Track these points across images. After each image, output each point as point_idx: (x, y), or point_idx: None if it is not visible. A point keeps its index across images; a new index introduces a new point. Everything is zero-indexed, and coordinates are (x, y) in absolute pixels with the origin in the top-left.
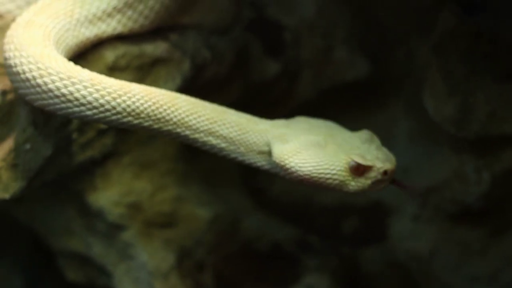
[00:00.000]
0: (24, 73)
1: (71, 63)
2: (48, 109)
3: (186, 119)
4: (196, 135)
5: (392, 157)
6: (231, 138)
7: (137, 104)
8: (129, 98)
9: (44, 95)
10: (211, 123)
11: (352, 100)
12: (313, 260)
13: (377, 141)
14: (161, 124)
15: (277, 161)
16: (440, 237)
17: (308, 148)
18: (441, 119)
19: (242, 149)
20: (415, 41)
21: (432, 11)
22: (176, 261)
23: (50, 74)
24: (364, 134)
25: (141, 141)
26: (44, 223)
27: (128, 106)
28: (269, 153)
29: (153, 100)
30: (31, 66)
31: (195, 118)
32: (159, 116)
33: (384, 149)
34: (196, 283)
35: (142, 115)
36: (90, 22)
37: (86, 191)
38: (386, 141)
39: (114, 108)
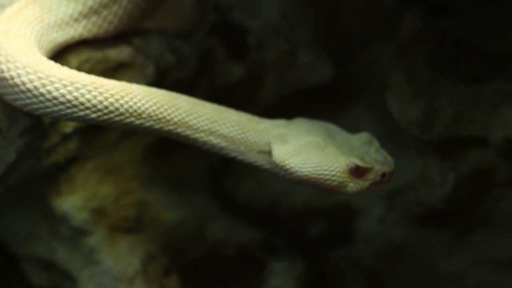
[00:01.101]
0: (24, 84)
1: (67, 68)
2: (52, 116)
3: (187, 119)
4: (197, 135)
5: (390, 160)
6: (231, 137)
7: (139, 104)
8: (131, 99)
9: (48, 103)
10: (211, 123)
11: (316, 104)
12: (280, 264)
13: (376, 143)
14: (162, 124)
15: (277, 161)
16: (406, 238)
17: (308, 149)
18: (406, 122)
19: (242, 148)
20: (379, 44)
21: (395, 14)
22: (142, 265)
23: (52, 82)
24: (363, 136)
25: (105, 146)
26: (8, 228)
27: (130, 107)
28: (269, 153)
29: (154, 101)
30: (31, 77)
31: (195, 118)
32: (160, 116)
33: (383, 152)
34: None
35: (144, 116)
36: (59, 27)
37: (50, 196)
38: None
39: (117, 109)
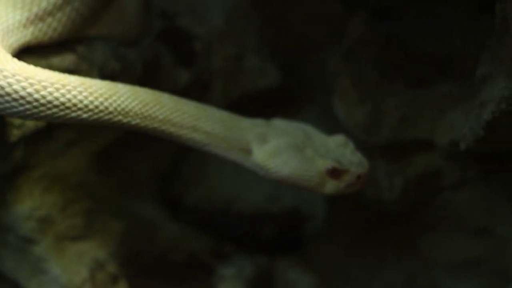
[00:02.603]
0: (16, 92)
1: (52, 71)
2: (45, 120)
3: (171, 116)
4: (181, 132)
5: (365, 162)
6: (214, 134)
7: (126, 103)
8: (119, 98)
9: (42, 108)
10: (195, 120)
11: (266, 108)
12: (229, 269)
13: (351, 145)
14: (147, 122)
15: (258, 161)
16: (356, 242)
17: (287, 150)
18: (352, 125)
19: (224, 145)
20: (326, 48)
21: (343, 18)
22: (89, 274)
23: (45, 87)
24: (339, 138)
25: (51, 154)
26: None
27: (119, 105)
28: (250, 151)
29: (140, 99)
30: (23, 84)
31: (179, 116)
32: (145, 114)
33: (358, 154)
34: None
35: (131, 114)
36: (13, 32)
37: None
38: None
39: (106, 108)
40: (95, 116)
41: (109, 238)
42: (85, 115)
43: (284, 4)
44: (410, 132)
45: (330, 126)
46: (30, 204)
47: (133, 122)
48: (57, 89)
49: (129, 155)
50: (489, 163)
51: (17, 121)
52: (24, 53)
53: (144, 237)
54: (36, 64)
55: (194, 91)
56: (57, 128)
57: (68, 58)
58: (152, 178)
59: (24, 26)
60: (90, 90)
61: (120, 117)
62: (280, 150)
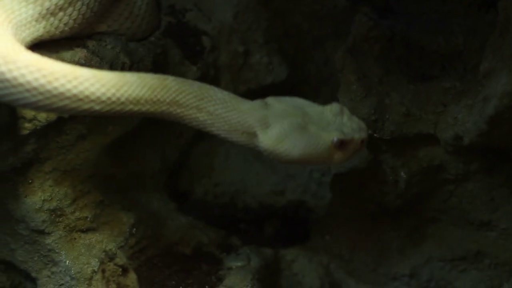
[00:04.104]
0: (29, 83)
1: (64, 63)
2: (57, 111)
3: (177, 98)
4: (186, 112)
5: (363, 125)
6: (217, 115)
7: (136, 91)
8: (129, 87)
9: (54, 99)
10: (199, 100)
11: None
12: (236, 261)
13: (347, 111)
14: (156, 107)
15: (266, 147)
16: (360, 236)
17: (293, 132)
18: None
19: (226, 127)
20: (331, 44)
21: (347, 14)
22: (99, 265)
23: (57, 78)
24: (334, 107)
25: (62, 148)
26: None
27: (130, 95)
28: (253, 134)
29: (148, 86)
30: (36, 75)
31: (184, 96)
32: (155, 99)
33: (355, 118)
34: (120, 287)
35: (142, 101)
36: (25, 26)
37: (8, 198)
38: None
39: (118, 99)
40: (108, 108)
41: (118, 230)
42: (97, 107)
43: (290, 0)
44: (414, 127)
45: None
46: (41, 196)
47: (144, 109)
48: (69, 81)
49: (138, 148)
50: (492, 157)
51: (28, 115)
52: (36, 47)
53: (153, 229)
54: None
55: None
56: (68, 121)
57: (79, 53)
58: (161, 171)
59: (37, 20)
60: (102, 81)
61: (131, 106)
62: (286, 133)
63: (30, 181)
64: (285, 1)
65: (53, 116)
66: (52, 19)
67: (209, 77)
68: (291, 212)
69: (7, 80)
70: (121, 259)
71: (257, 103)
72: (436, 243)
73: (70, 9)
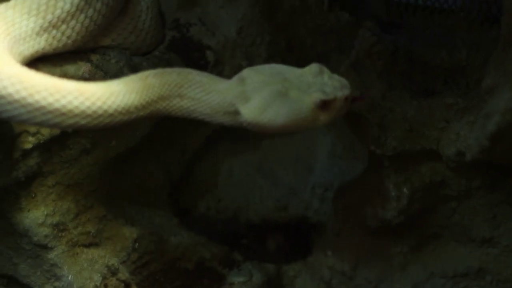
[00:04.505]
0: (10, 95)
1: (50, 76)
2: (42, 125)
3: (161, 93)
4: (171, 103)
5: (345, 82)
6: (197, 99)
7: (125, 100)
8: (116, 97)
9: (36, 113)
10: (179, 88)
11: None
12: (238, 277)
13: (326, 70)
14: (145, 110)
15: (249, 120)
16: (362, 252)
17: (273, 100)
18: (361, 135)
19: (208, 110)
20: (335, 59)
21: (351, 29)
22: (102, 280)
23: (39, 91)
24: (313, 67)
25: (65, 162)
26: None
27: (118, 105)
28: (235, 113)
29: (135, 91)
30: (17, 87)
31: (166, 88)
32: (143, 103)
33: (336, 76)
34: None
35: (131, 109)
36: (25, 40)
37: (11, 211)
38: (308, 158)
39: (106, 111)
40: (95, 122)
41: (121, 245)
42: (83, 121)
43: (294, 15)
44: (416, 143)
45: (338, 135)
46: (44, 210)
47: (133, 116)
48: (51, 94)
49: (141, 163)
50: (494, 173)
51: (32, 129)
52: (39, 61)
53: (155, 244)
54: (51, 73)
55: None
56: (71, 136)
57: (83, 67)
58: (164, 186)
59: (38, 33)
60: (86, 94)
61: (121, 116)
62: (267, 103)
63: (33, 195)
64: (288, 16)
65: (56, 131)
66: (54, 32)
67: None
68: (294, 227)
69: None
70: (123, 274)
71: (234, 79)
72: (438, 259)
73: (73, 22)
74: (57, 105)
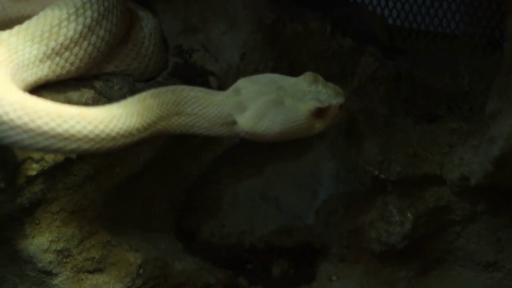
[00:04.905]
0: (12, 121)
1: (51, 102)
2: (44, 150)
3: (160, 113)
4: (170, 122)
5: (339, 90)
6: (195, 114)
7: (127, 123)
8: (118, 120)
9: (39, 138)
10: (176, 106)
11: (277, 144)
12: None
13: (321, 78)
14: (147, 131)
15: (246, 129)
16: (367, 277)
17: (269, 109)
18: (364, 161)
19: (206, 124)
20: (338, 84)
21: (353, 54)
22: None
23: (41, 116)
24: (308, 76)
25: (69, 188)
26: None
27: (121, 128)
28: (232, 123)
29: (136, 113)
30: (19, 113)
31: (165, 108)
32: (145, 125)
33: (330, 84)
34: None
35: (134, 132)
36: (27, 67)
37: (15, 238)
38: (312, 182)
39: (108, 135)
40: (98, 146)
41: (125, 271)
42: (86, 146)
43: (296, 41)
44: (420, 168)
45: (340, 160)
46: (48, 237)
47: (135, 139)
48: (53, 119)
49: (145, 189)
50: (498, 197)
51: (36, 155)
52: (43, 88)
53: (160, 270)
54: (54, 99)
55: None
56: (75, 162)
57: (87, 94)
58: (168, 211)
59: (41, 60)
60: (88, 119)
61: (123, 139)
62: (263, 112)
63: (37, 222)
64: (291, 41)
65: (60, 157)
66: (57, 59)
67: None
68: (298, 252)
69: None
70: None
71: (229, 90)
72: (442, 284)
73: (76, 48)
74: (59, 129)
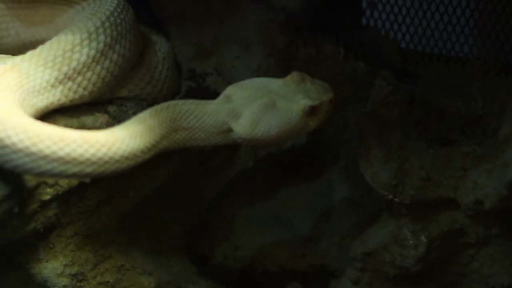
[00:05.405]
0: (15, 144)
1: (54, 126)
2: (47, 175)
3: (160, 132)
4: (169, 140)
5: (327, 85)
6: (191, 127)
7: (131, 145)
8: (122, 143)
9: (41, 162)
10: (173, 122)
11: (292, 167)
12: None
13: (307, 76)
14: (151, 152)
15: (244, 136)
16: None
17: (263, 113)
18: (378, 185)
19: (202, 135)
20: (351, 109)
21: (366, 78)
22: None
23: (42, 140)
24: (294, 76)
25: (83, 212)
26: None
27: (125, 150)
28: (228, 131)
29: (139, 135)
30: (21, 136)
31: (164, 127)
32: (149, 146)
33: (317, 81)
34: None
35: (138, 153)
36: (38, 92)
37: (30, 262)
38: (326, 205)
39: (112, 158)
40: (101, 169)
41: None
42: (89, 169)
43: (310, 65)
44: (434, 191)
45: (354, 184)
46: (62, 261)
47: (140, 160)
48: (55, 143)
49: (158, 212)
50: None
51: (50, 180)
52: (57, 112)
53: None
54: (68, 124)
55: (223, 150)
56: (89, 186)
57: (101, 118)
58: (181, 235)
59: (52, 85)
60: (90, 142)
61: (128, 162)
62: (258, 117)
63: (51, 246)
64: (304, 65)
65: (74, 182)
66: (70, 83)
67: None
68: (312, 276)
69: None
70: None
71: (219, 99)
72: None
73: (89, 73)
74: (61, 153)
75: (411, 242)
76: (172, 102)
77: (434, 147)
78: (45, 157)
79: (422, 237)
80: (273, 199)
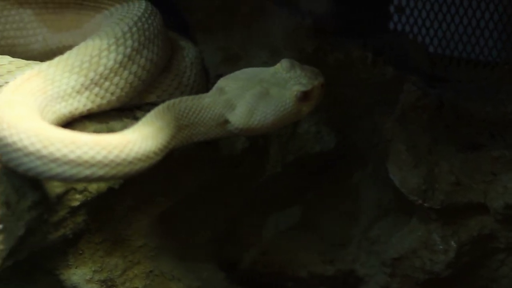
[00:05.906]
0: (26, 147)
1: (66, 130)
2: (57, 178)
3: (169, 132)
4: (175, 139)
5: (316, 70)
6: (192, 123)
7: (143, 146)
8: (134, 145)
9: (52, 165)
10: (175, 121)
11: (320, 172)
12: None
13: (296, 63)
14: (162, 154)
15: (241, 127)
16: None
17: (258, 102)
18: (408, 190)
19: (202, 129)
20: (379, 113)
21: (395, 82)
22: None
23: (53, 143)
24: (284, 63)
25: (112, 218)
26: None
27: (137, 152)
28: (225, 122)
29: (150, 136)
30: (33, 139)
31: (170, 127)
32: (161, 147)
33: (307, 67)
34: None
35: (151, 155)
36: (62, 98)
37: (59, 268)
38: (354, 210)
39: (125, 160)
40: (114, 171)
41: None
42: (101, 172)
43: (339, 69)
44: (463, 196)
45: (382, 188)
46: (91, 267)
47: (153, 162)
48: (66, 145)
49: (187, 218)
50: None
51: (79, 186)
52: (86, 118)
53: None
54: (97, 130)
55: (251, 156)
56: (118, 192)
57: (129, 124)
58: (210, 240)
59: (78, 91)
60: (102, 144)
61: (141, 163)
62: (253, 106)
63: (80, 252)
64: (333, 70)
65: (103, 187)
66: (97, 89)
67: (259, 147)
68: (341, 281)
69: (8, 144)
70: None
71: (213, 91)
72: None
73: (116, 78)
74: (71, 156)
75: (440, 247)
76: (171, 102)
77: (464, 151)
78: (56, 160)
79: (452, 242)
80: (301, 204)
